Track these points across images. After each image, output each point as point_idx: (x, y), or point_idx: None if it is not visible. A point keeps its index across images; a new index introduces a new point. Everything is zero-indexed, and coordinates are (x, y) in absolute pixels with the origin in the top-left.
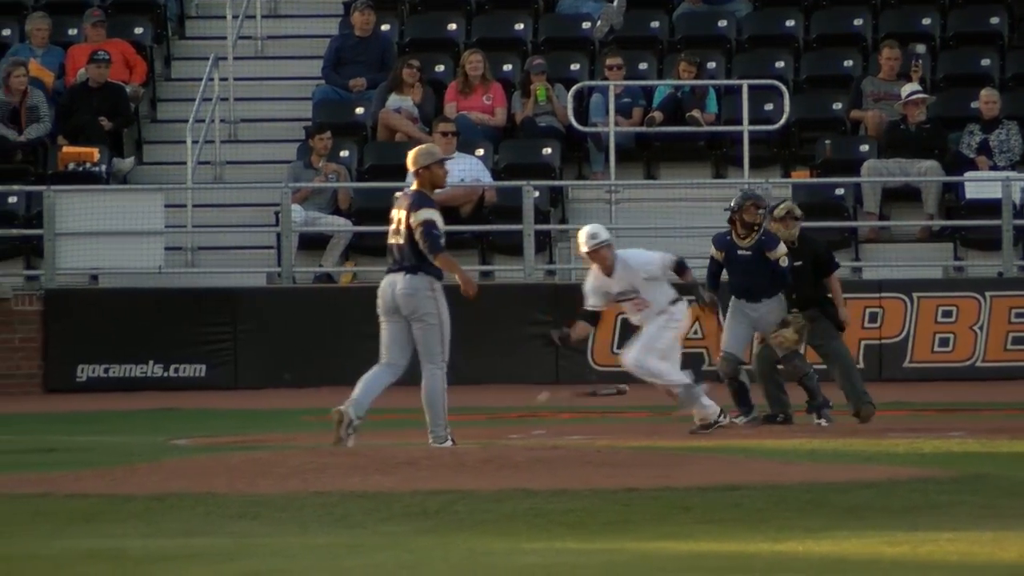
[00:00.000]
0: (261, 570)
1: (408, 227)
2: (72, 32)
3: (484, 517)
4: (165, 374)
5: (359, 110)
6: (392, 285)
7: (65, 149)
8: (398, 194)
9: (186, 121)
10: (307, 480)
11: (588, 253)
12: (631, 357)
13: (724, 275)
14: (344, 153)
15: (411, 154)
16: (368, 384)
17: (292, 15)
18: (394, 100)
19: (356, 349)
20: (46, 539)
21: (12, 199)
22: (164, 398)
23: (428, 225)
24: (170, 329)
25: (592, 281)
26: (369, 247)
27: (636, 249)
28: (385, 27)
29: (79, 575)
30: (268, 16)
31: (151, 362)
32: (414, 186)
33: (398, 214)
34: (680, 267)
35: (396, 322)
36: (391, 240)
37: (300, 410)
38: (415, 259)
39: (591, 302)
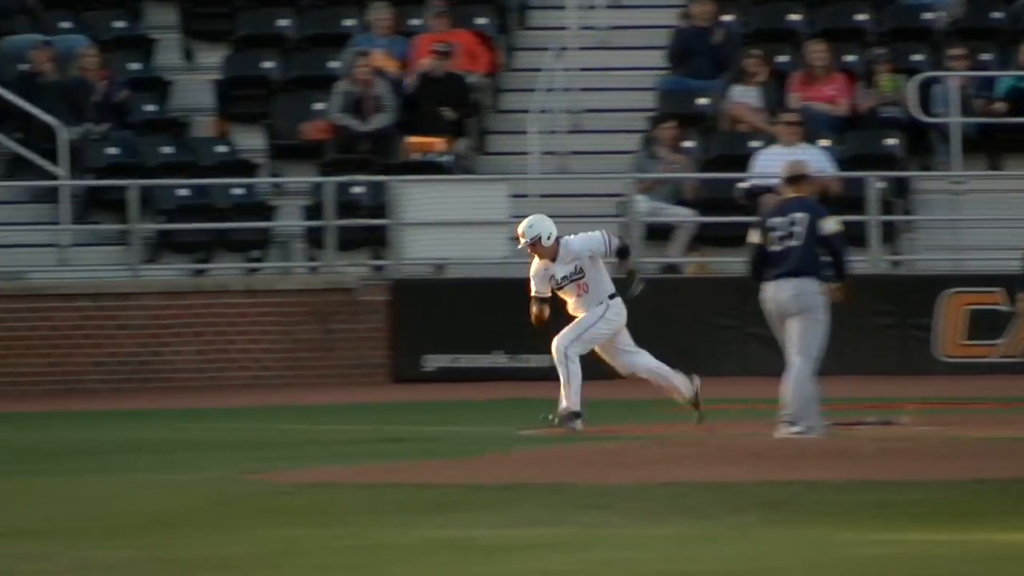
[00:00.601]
0: (612, 560)
1: (810, 232)
2: (416, 22)
3: (830, 508)
4: (512, 364)
5: (703, 100)
6: (781, 290)
7: (410, 139)
8: (759, 194)
9: (528, 111)
10: (656, 471)
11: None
12: (557, 338)
13: None
14: (688, 143)
15: (788, 163)
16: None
17: (633, 5)
18: (738, 90)
19: (703, 339)
20: (397, 528)
21: (357, 189)
22: (512, 388)
23: (842, 239)
24: (517, 319)
25: (535, 267)
26: (714, 237)
27: (578, 235)
28: (726, 17)
29: (430, 564)
30: (610, 7)
31: (498, 352)
32: (792, 192)
33: (788, 219)
34: (623, 252)
35: (792, 323)
36: (778, 246)
37: (650, 401)
38: (810, 263)
39: (537, 288)
